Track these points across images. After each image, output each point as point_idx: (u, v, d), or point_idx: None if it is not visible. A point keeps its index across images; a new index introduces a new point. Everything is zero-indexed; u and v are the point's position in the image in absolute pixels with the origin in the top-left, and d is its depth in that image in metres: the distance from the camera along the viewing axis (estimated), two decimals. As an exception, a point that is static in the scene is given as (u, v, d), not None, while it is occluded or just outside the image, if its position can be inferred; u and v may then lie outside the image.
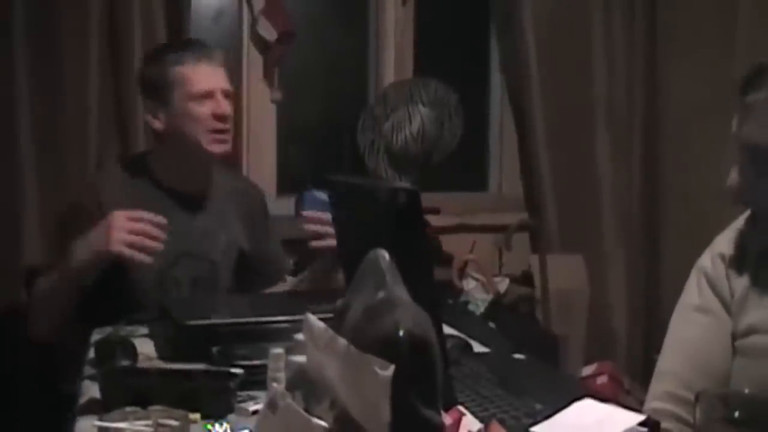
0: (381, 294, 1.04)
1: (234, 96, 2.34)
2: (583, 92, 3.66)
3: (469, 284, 3.40)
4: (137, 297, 2.17)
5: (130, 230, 2.01)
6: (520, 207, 3.70)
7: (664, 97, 3.71)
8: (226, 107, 2.26)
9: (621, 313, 3.69)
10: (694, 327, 1.61)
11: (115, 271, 2.18)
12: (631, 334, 3.68)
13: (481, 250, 3.57)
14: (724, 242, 1.61)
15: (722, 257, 1.60)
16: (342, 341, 1.02)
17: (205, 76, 2.24)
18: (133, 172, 2.32)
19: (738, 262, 1.58)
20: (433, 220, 3.44)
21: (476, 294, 3.36)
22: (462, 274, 3.45)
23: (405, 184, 3.29)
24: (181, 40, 2.77)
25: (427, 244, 1.33)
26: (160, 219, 2.04)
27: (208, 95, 2.24)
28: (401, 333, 0.98)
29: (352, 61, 3.77)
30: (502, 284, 3.46)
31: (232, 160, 2.39)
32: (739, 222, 1.62)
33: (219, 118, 2.24)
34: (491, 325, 3.12)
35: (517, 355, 1.87)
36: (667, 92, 3.70)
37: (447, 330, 1.91)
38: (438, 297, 1.33)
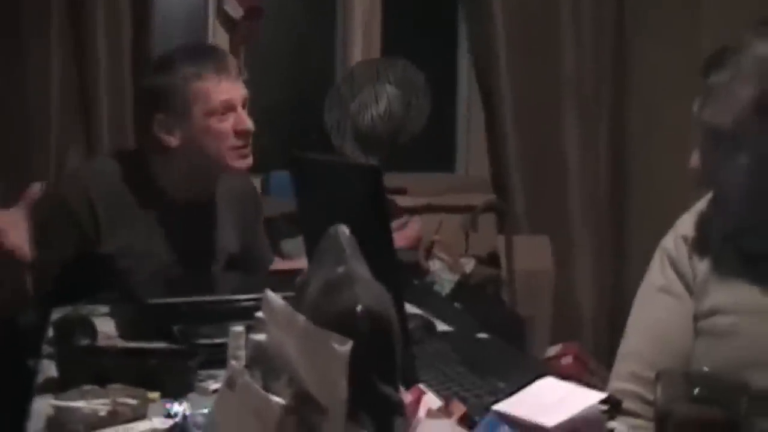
0: (340, 269, 1.03)
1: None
2: (552, 73, 3.66)
3: (435, 265, 3.40)
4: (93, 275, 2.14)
5: None
6: (487, 188, 3.70)
7: (632, 79, 3.72)
8: (249, 122, 2.17)
9: (587, 293, 3.70)
10: (658, 308, 1.61)
11: (99, 272, 2.15)
12: (597, 315, 3.70)
13: (447, 231, 3.57)
14: (687, 224, 1.62)
15: (685, 239, 1.60)
16: (301, 317, 1.00)
17: (225, 89, 2.14)
18: (129, 171, 2.22)
19: (700, 243, 1.58)
20: (400, 201, 3.43)
21: (442, 275, 3.36)
22: (428, 254, 3.45)
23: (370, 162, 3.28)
24: (191, 48, 2.42)
25: (389, 222, 1.32)
26: None
27: (230, 109, 2.15)
28: (359, 309, 0.97)
29: (319, 40, 3.75)
30: (469, 265, 3.46)
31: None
32: (702, 203, 1.62)
33: (242, 134, 2.17)
34: (457, 305, 3.12)
35: (481, 335, 1.87)
36: (635, 74, 3.71)
37: (411, 309, 1.91)
38: (400, 275, 1.32)
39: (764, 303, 1.49)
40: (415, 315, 1.85)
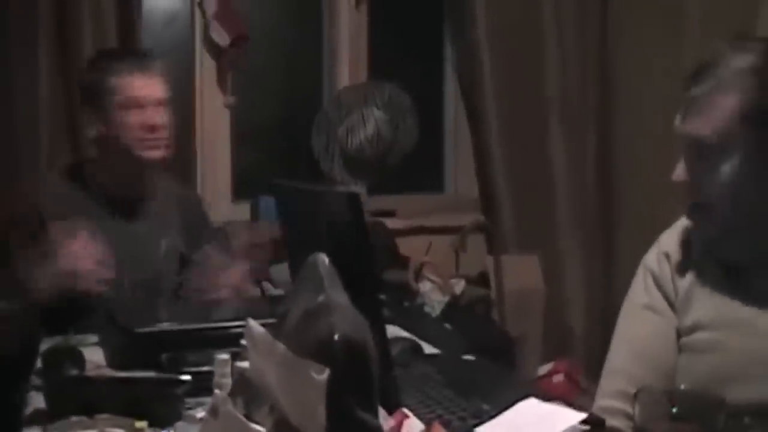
0: (319, 298, 1.04)
1: (168, 104, 2.35)
2: (536, 89, 3.68)
3: (425, 286, 3.41)
4: (80, 303, 2.15)
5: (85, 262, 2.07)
6: (477, 208, 3.71)
7: (617, 91, 3.74)
8: (155, 117, 2.29)
9: (577, 311, 3.71)
10: (642, 325, 1.62)
11: None
12: (588, 332, 3.70)
13: (437, 252, 3.58)
14: (669, 240, 1.63)
15: (667, 256, 1.61)
16: (280, 346, 1.02)
17: (138, 86, 2.29)
18: (71, 180, 2.37)
19: (682, 260, 1.60)
20: (389, 223, 3.45)
21: (432, 296, 3.37)
22: (418, 276, 3.46)
23: (356, 187, 3.29)
24: (119, 49, 2.78)
25: (370, 248, 1.33)
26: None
27: (140, 105, 2.28)
28: (336, 337, 0.99)
29: (306, 65, 3.77)
30: (459, 286, 3.47)
31: (165, 166, 2.42)
32: (684, 220, 1.64)
33: (149, 128, 2.29)
34: (447, 326, 3.13)
35: (468, 356, 1.87)
36: (620, 86, 3.73)
37: (398, 332, 1.92)
38: (380, 300, 1.34)
39: (744, 316, 1.50)
40: (401, 338, 1.85)
